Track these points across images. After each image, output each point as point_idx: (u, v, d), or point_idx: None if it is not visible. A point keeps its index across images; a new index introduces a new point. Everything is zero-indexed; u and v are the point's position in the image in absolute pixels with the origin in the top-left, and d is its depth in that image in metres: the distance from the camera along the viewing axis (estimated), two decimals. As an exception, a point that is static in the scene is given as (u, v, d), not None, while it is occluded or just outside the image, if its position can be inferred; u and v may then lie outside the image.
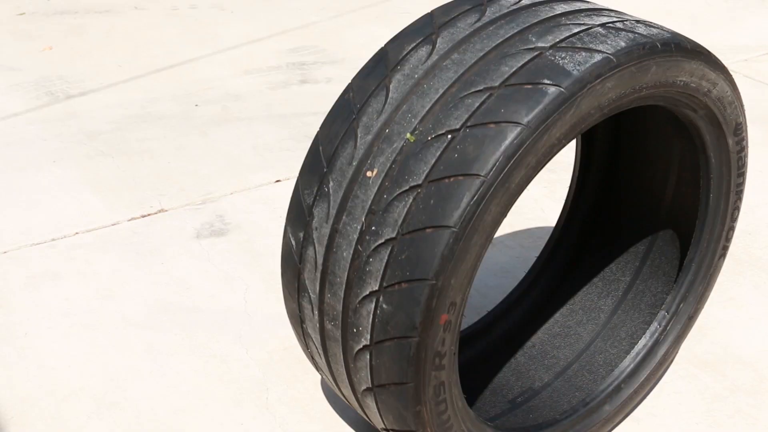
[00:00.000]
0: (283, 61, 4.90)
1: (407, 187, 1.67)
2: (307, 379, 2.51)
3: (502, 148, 1.60)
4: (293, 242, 1.86)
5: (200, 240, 3.18)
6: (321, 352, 1.92)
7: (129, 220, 3.30)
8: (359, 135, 1.79)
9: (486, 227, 1.65)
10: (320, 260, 1.80)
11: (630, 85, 1.74)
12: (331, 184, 1.80)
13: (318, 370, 2.07)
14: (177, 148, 3.86)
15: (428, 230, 1.62)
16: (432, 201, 1.63)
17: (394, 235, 1.67)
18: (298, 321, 1.95)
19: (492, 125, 1.62)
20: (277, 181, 3.59)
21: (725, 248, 2.36)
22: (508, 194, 1.65)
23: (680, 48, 1.82)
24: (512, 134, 1.61)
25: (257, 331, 2.71)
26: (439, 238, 1.61)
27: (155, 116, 4.18)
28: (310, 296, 1.85)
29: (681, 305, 2.36)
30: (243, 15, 5.66)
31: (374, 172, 1.75)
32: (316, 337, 1.90)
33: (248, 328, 2.72)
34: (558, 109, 1.62)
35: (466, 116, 1.66)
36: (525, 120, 1.61)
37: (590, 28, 1.75)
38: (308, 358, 2.07)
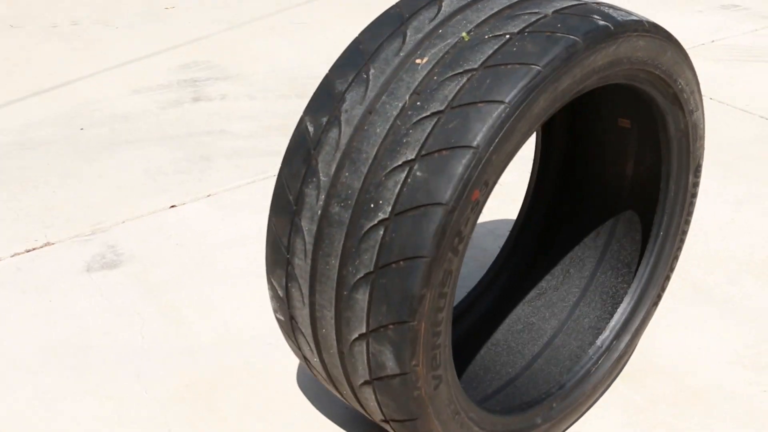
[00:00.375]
0: (173, 78, 4.76)
1: (461, 70, 1.75)
2: (212, 417, 2.37)
3: (559, 49, 1.74)
4: (311, 129, 1.87)
5: (91, 273, 3.01)
6: (310, 247, 1.84)
7: (12, 256, 3.12)
8: (408, 34, 1.86)
9: (532, 117, 1.74)
10: (344, 140, 1.82)
11: (653, 55, 1.97)
12: (372, 71, 1.84)
13: (286, 284, 1.94)
14: (62, 176, 3.69)
15: (480, 104, 1.70)
16: (488, 80, 1.72)
17: (442, 108, 1.73)
18: (289, 216, 1.88)
19: (549, 33, 1.77)
20: (172, 206, 3.44)
21: (659, 297, 2.47)
22: (554, 95, 1.76)
23: (685, 52, 2.08)
24: (568, 43, 1.75)
25: (156, 368, 2.56)
26: (491, 110, 1.69)
27: (37, 142, 3.99)
28: (320, 180, 1.83)
29: (614, 342, 2.41)
30: (129, 31, 5.50)
31: (424, 60, 1.80)
32: (311, 227, 1.84)
33: (146, 365, 2.57)
34: (605, 40, 1.80)
35: (524, 26, 1.79)
36: (580, 36, 1.76)
37: (619, 7, 1.97)
38: (275, 270, 1.96)
